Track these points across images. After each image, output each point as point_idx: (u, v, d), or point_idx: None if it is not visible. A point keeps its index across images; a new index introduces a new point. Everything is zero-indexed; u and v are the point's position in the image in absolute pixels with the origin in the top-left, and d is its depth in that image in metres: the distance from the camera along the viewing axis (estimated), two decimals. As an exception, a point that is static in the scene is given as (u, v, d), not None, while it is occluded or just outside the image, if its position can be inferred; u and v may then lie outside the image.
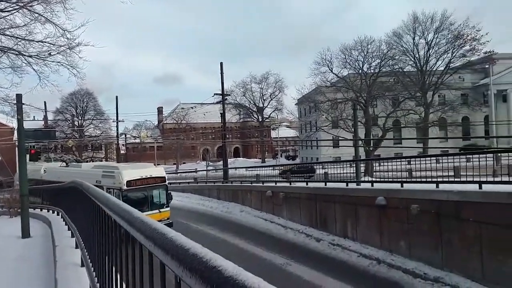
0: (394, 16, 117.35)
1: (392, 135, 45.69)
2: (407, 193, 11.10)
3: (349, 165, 19.39)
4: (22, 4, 11.33)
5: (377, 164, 24.11)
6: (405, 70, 44.76)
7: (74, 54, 12.82)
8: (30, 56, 12.33)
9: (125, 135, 55.46)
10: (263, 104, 74.40)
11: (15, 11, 11.49)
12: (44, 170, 21.27)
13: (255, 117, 76.45)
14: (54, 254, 5.87)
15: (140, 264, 1.87)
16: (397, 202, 11.20)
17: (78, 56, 12.98)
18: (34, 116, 61.59)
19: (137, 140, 63.38)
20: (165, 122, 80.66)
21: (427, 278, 9.57)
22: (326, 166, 19.71)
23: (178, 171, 54.61)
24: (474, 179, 10.03)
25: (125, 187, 13.90)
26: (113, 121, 43.10)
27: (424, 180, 12.16)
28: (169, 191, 15.78)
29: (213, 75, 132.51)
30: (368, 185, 13.72)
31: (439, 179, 11.20)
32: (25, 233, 10.62)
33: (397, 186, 12.10)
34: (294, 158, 74.04)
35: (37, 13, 11.69)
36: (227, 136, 53.47)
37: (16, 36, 12.05)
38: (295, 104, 63.78)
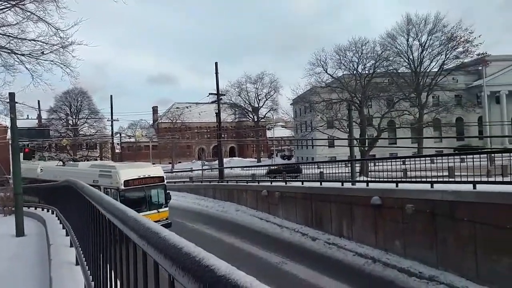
0: (388, 18, 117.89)
1: (387, 136, 45.91)
2: (402, 193, 11.14)
3: (344, 165, 19.44)
4: (14, 3, 11.25)
5: (372, 164, 24.20)
6: (399, 71, 44.98)
7: (67, 53, 12.77)
8: (23, 55, 12.26)
9: (120, 134, 55.24)
10: (258, 104, 74.43)
11: (7, 9, 11.41)
12: (41, 169, 21.10)
13: (251, 117, 76.45)
14: (48, 252, 5.83)
15: (134, 263, 1.86)
16: (392, 202, 11.24)
17: (71, 55, 12.94)
18: (28, 115, 61.14)
19: (132, 140, 63.18)
20: (160, 122, 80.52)
21: (422, 277, 9.62)
22: (321, 166, 19.73)
23: (174, 170, 54.46)
24: (469, 179, 10.09)
25: (122, 187, 13.68)
26: (107, 120, 42.97)
27: (419, 180, 12.21)
28: (167, 191, 15.54)
29: (208, 75, 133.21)
30: (364, 185, 13.76)
31: (433, 179, 11.26)
32: (20, 232, 10.56)
33: (392, 186, 12.15)
34: (290, 157, 74.13)
35: (29, 11, 11.62)
36: (223, 135, 53.45)
37: (8, 34, 11.98)
38: (290, 104, 63.94)
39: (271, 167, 33.94)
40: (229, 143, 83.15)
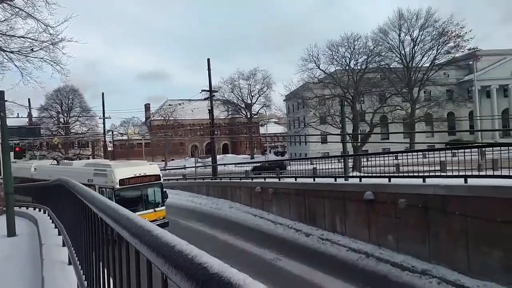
0: (381, 13, 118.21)
1: (380, 131, 46.14)
2: (395, 187, 11.23)
3: (337, 161, 19.51)
4: (1, -1, 11.10)
5: (365, 159, 24.30)
6: (391, 66, 45.09)
7: (57, 50, 12.63)
8: (12, 52, 12.10)
9: (112, 132, 54.89)
10: (251, 101, 74.28)
11: (-5, 6, 11.25)
12: (35, 169, 20.84)
13: (244, 114, 76.32)
14: (40, 252, 5.79)
15: (126, 262, 1.84)
16: (385, 197, 11.32)
17: (61, 52, 12.80)
18: (18, 114, 60.32)
19: (125, 137, 62.81)
20: (152, 119, 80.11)
21: (415, 270, 9.71)
22: (314, 162, 19.79)
23: (167, 168, 54.27)
24: (460, 174, 10.19)
25: (117, 186, 13.42)
26: (99, 118, 42.66)
27: (411, 175, 12.29)
28: (164, 190, 15.27)
29: (201, 72, 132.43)
30: (356, 180, 13.83)
31: (426, 174, 11.35)
32: (11, 232, 10.44)
33: (384, 181, 12.23)
34: (283, 154, 74.22)
35: (17, 7, 11.47)
36: (216, 132, 53.32)
37: (-4, 31, 11.81)
38: (283, 101, 63.91)
39: (255, 164, 34.21)
40: (222, 140, 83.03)
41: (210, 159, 39.85)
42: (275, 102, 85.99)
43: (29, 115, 60.74)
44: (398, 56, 45.50)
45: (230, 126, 79.63)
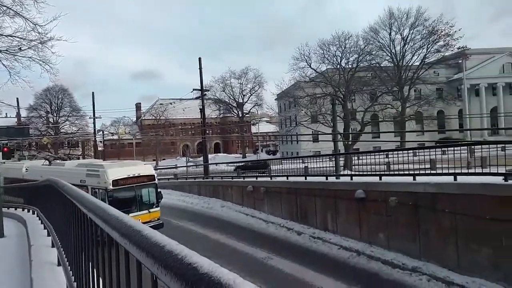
0: (372, 11, 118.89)
1: (370, 129, 46.44)
2: (386, 186, 11.30)
3: (328, 159, 19.59)
4: (-12, -3, 10.93)
5: (356, 158, 24.43)
6: (382, 65, 45.41)
7: (46, 49, 12.50)
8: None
9: (103, 132, 54.43)
10: (243, 100, 74.32)
11: (-19, 4, 11.08)
12: (26, 169, 20.50)
13: (235, 113, 76.30)
14: (29, 253, 5.70)
15: (116, 263, 1.83)
16: (376, 195, 11.39)
17: (50, 51, 12.67)
18: (6, 113, 59.60)
19: (115, 137, 62.35)
20: (143, 118, 79.65)
21: (405, 268, 9.79)
22: (306, 161, 19.86)
23: (158, 167, 53.98)
24: (450, 171, 10.30)
25: (111, 187, 13.06)
26: (89, 118, 42.33)
27: (402, 173, 12.40)
28: (159, 190, 14.95)
29: (192, 71, 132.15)
30: (348, 179, 13.90)
31: (416, 172, 11.46)
32: (-1, 233, 10.30)
33: (375, 179, 12.30)
34: (275, 153, 74.33)
35: (5, 6, 11.31)
36: (207, 131, 53.16)
37: (-18, 30, 11.64)
38: (275, 99, 63.90)
39: (238, 163, 34.30)
40: (214, 139, 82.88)
41: (201, 158, 39.72)
42: (266, 101, 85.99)
43: (18, 115, 60.01)
44: (389, 55, 45.87)
45: (222, 125, 79.53)
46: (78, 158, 46.67)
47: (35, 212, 9.43)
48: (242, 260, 11.64)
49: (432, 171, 11.88)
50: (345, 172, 19.64)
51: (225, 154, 75.42)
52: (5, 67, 12.40)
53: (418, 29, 44.03)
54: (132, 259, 1.44)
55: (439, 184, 9.67)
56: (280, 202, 16.46)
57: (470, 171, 10.20)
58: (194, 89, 31.82)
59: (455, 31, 41.31)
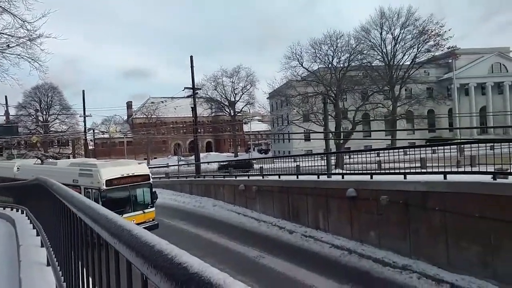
0: (364, 10, 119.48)
1: (362, 128, 46.74)
2: (377, 184, 11.36)
3: (320, 158, 19.67)
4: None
5: (347, 157, 24.60)
6: (373, 64, 45.75)
7: (35, 46, 12.35)
8: (-14, 49, 11.76)
9: (93, 130, 53.97)
10: (234, 98, 74.18)
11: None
12: (18, 168, 20.18)
13: (227, 111, 76.17)
14: (18, 253, 5.63)
15: (106, 263, 1.81)
16: (367, 194, 11.45)
17: (39, 48, 12.52)
18: (-5, 112, 58.83)
19: (106, 136, 61.86)
20: (134, 117, 79.12)
21: (396, 266, 9.87)
22: (298, 159, 19.91)
23: (149, 166, 53.58)
24: (440, 170, 10.38)
25: (104, 187, 12.73)
26: (80, 116, 41.94)
27: (393, 171, 12.48)
28: (154, 190, 14.64)
29: (184, 69, 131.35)
30: (339, 177, 13.95)
31: (407, 171, 11.53)
32: (-13, 233, 10.16)
33: (367, 178, 12.37)
34: (267, 151, 74.41)
35: (-7, 3, 11.14)
36: (199, 130, 53.01)
37: (-31, 27, 11.45)
38: (267, 98, 64.03)
39: (223, 163, 34.33)
40: (206, 138, 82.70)
41: (193, 157, 39.62)
42: (258, 100, 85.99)
43: (6, 113, 59.19)
44: (380, 54, 46.22)
45: (214, 124, 79.38)
46: (68, 157, 46.20)
47: (24, 212, 9.31)
48: (234, 259, 11.65)
49: (423, 170, 11.98)
50: (337, 171, 19.74)
51: (217, 153, 75.30)
52: (-7, 64, 12.22)
53: (408, 29, 44.49)
54: (122, 259, 1.42)
55: (429, 182, 9.75)
56: (272, 201, 16.48)
57: (459, 169, 10.31)
58: (185, 88, 31.64)
59: (445, 31, 41.86)
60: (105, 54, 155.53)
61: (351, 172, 16.22)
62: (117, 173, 13.40)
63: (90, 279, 2.23)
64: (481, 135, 51.51)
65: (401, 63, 45.46)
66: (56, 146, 57.63)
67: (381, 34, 45.75)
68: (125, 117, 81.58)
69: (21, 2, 11.31)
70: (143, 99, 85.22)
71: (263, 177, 18.86)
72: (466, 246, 8.68)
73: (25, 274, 4.32)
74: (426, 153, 12.15)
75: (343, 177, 13.72)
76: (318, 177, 14.76)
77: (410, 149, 13.12)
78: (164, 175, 34.01)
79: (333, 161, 22.70)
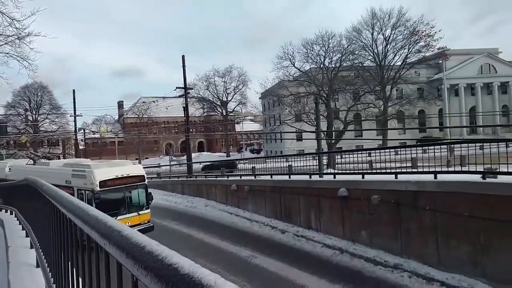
0: (356, 11, 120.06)
1: (353, 128, 47.01)
2: (368, 184, 11.43)
3: (312, 158, 19.73)
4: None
5: (339, 157, 24.66)
6: (364, 64, 45.99)
7: (24, 45, 12.18)
8: (-26, 47, 11.58)
9: (84, 130, 53.48)
10: (226, 98, 74.04)
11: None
12: (10, 169, 19.88)
13: (219, 111, 76.02)
14: (6, 254, 5.55)
15: (96, 264, 1.79)
16: (359, 193, 11.51)
17: (28, 47, 12.36)
18: (-17, 111, 58.03)
19: (97, 135, 61.34)
20: (126, 117, 78.57)
21: (387, 265, 9.94)
22: (290, 159, 19.94)
23: (141, 166, 53.26)
24: (430, 170, 10.48)
25: (98, 188, 12.34)
26: (70, 116, 41.55)
27: (384, 171, 12.56)
28: (149, 191, 14.33)
29: (175, 69, 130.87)
30: (331, 177, 14.00)
31: (398, 170, 11.61)
32: (-25, 235, 10.02)
33: (358, 177, 12.44)
34: (259, 151, 74.38)
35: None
36: (191, 130, 52.82)
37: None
38: (259, 98, 64.07)
39: (205, 163, 34.36)
40: (198, 138, 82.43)
41: (185, 157, 39.48)
42: (251, 99, 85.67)
43: (-5, 113, 58.44)
44: (371, 54, 46.46)
45: (206, 123, 79.16)
46: (59, 157, 45.72)
47: (13, 213, 9.19)
48: (226, 259, 11.63)
49: (414, 170, 12.08)
50: (329, 170, 19.81)
51: (209, 153, 75.12)
52: (-19, 63, 12.04)
53: (399, 29, 44.78)
54: (112, 260, 1.41)
55: (420, 182, 9.84)
56: (264, 201, 16.49)
57: (450, 169, 10.41)
58: (177, 87, 31.53)
59: (435, 32, 42.18)
60: (95, 53, 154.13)
61: (343, 172, 16.28)
62: (112, 173, 13.05)
63: (80, 281, 2.20)
64: (470, 135, 52.12)
65: (392, 64, 45.77)
66: (46, 146, 57.05)
67: (372, 34, 46.03)
68: (116, 117, 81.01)
69: (9, 0, 11.18)
70: (134, 99, 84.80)
71: (255, 177, 18.87)
72: (456, 245, 8.77)
73: (14, 275, 4.26)
74: (417, 153, 12.25)
75: (334, 177, 13.78)
76: (310, 177, 14.80)
77: (401, 149, 13.20)
78: (155, 175, 33.83)
79: (325, 161, 22.81)
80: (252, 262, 11.36)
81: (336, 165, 23.30)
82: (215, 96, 73.61)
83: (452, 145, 15.12)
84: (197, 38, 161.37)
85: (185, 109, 31.43)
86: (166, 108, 64.50)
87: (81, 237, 1.99)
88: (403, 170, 11.81)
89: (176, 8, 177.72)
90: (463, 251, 8.62)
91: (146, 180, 14.43)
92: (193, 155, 40.48)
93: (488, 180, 8.63)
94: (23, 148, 41.46)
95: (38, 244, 4.54)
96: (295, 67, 43.59)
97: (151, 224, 13.89)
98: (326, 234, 12.73)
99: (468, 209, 8.36)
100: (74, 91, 37.74)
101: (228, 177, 21.47)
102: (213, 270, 0.82)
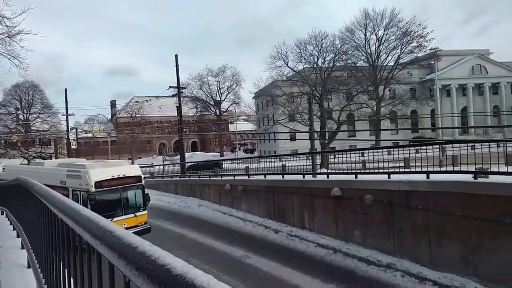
0: (349, 11, 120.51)
1: (347, 128, 47.18)
2: (361, 184, 11.47)
3: (305, 158, 19.75)
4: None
5: (332, 156, 24.73)
6: (357, 65, 46.13)
7: (15, 43, 12.04)
8: (-36, 45, 11.43)
9: (76, 130, 53.08)
10: (220, 98, 73.92)
11: None
12: (3, 169, 19.62)
13: (213, 111, 75.87)
14: (-3, 256, 5.50)
15: (88, 265, 1.77)
16: (352, 193, 11.55)
17: (19, 45, 12.23)
18: (-27, 111, 57.31)
19: (89, 135, 60.92)
20: (118, 116, 78.12)
21: (380, 265, 9.98)
22: (283, 159, 19.98)
23: (134, 166, 52.93)
24: (423, 169, 10.55)
25: (93, 189, 11.96)
26: (62, 115, 41.18)
27: (377, 171, 12.62)
28: (146, 192, 14.14)
29: (169, 68, 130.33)
30: (324, 177, 14.04)
31: (390, 170, 11.67)
32: (-35, 235, 9.89)
33: (351, 177, 12.48)
34: (253, 151, 74.40)
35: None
36: (184, 130, 52.70)
37: None
38: (253, 98, 64.05)
39: (191, 163, 34.24)
40: (191, 138, 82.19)
41: (178, 157, 39.34)
42: (244, 99, 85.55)
43: (-15, 112, 57.74)
44: (364, 55, 46.63)
45: (199, 123, 78.99)
46: (51, 157, 45.34)
47: (4, 213, 9.10)
48: (220, 259, 11.61)
49: (406, 170, 12.15)
50: (322, 170, 19.86)
51: (203, 152, 74.96)
52: (-29, 61, 11.87)
53: (392, 30, 44.99)
54: (104, 261, 1.39)
55: (413, 182, 9.90)
56: (258, 201, 16.49)
57: (442, 169, 10.49)
58: (170, 87, 31.40)
59: (428, 33, 42.44)
60: (88, 52, 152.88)
61: (336, 171, 16.33)
62: (107, 174, 12.73)
63: (72, 282, 2.18)
64: (462, 135, 52.61)
65: (385, 64, 45.98)
66: (37, 146, 56.49)
67: (365, 35, 46.19)
68: (109, 116, 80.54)
69: (-1, -2, 11.05)
70: (127, 98, 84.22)
71: (249, 177, 18.86)
72: (448, 245, 8.84)
73: (5, 276, 4.21)
74: (409, 153, 12.33)
75: (328, 177, 13.82)
76: (304, 177, 14.82)
77: (394, 149, 13.29)
78: (149, 175, 33.68)
79: (318, 161, 22.85)
80: (245, 262, 11.35)
81: (330, 165, 23.37)
82: (208, 95, 73.47)
83: (444, 145, 15.25)
84: (190, 38, 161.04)
85: (179, 108, 31.31)
86: (159, 108, 64.27)
87: (73, 237, 1.97)
88: (396, 170, 11.88)
89: (170, 7, 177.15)
90: (455, 250, 8.69)
91: (143, 181, 14.17)
92: (186, 155, 40.34)
93: (479, 180, 8.71)
94: (14, 147, 41.02)
95: (29, 245, 4.49)
96: (288, 67, 43.69)
97: (148, 226, 13.62)
98: (320, 234, 12.76)
99: (460, 209, 8.43)
100: (66, 90, 37.41)
101: (222, 177, 21.43)
102: (207, 270, 0.82)
